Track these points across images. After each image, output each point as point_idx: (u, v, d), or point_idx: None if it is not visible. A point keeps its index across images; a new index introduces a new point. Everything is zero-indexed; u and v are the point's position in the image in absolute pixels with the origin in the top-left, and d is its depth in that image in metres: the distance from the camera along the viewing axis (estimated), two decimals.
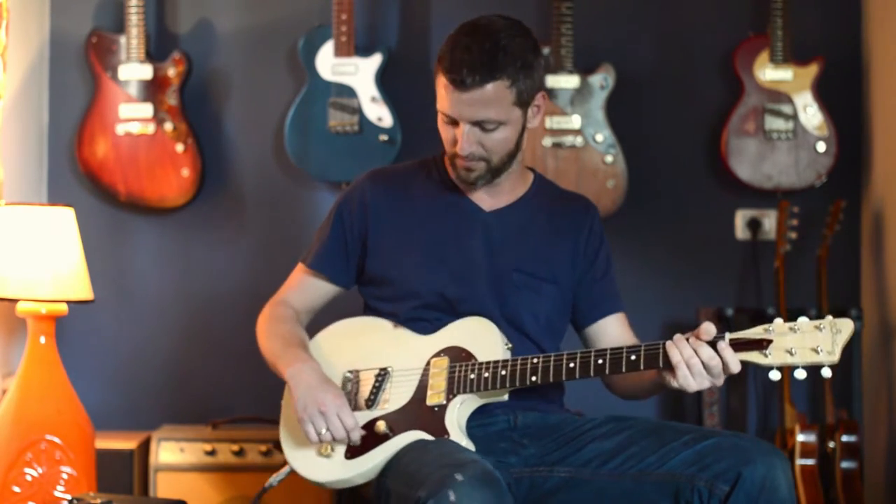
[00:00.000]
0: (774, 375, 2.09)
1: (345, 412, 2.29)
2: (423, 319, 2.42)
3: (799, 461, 3.52)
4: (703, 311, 3.76)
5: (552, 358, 2.25)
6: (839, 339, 2.05)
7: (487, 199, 2.46)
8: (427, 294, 2.41)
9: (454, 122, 2.32)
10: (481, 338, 2.34)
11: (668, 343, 2.13)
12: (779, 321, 2.10)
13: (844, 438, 3.55)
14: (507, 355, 2.30)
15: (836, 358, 2.05)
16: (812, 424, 3.57)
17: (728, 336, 2.11)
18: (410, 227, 2.46)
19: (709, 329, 2.11)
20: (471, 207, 2.46)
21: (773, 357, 2.08)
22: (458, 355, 2.34)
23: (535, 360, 2.25)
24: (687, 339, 2.12)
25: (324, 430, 2.29)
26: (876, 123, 3.78)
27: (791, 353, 2.07)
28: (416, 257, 2.43)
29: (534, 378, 2.25)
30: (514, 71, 2.27)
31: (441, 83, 2.31)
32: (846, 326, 2.06)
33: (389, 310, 2.46)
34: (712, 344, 2.11)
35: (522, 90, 2.30)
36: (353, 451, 2.31)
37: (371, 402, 2.37)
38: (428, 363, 2.35)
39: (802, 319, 2.09)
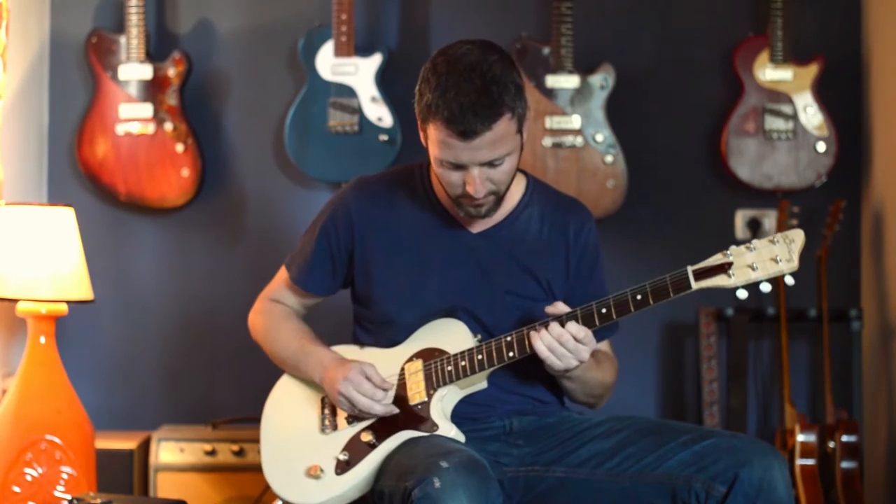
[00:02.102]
0: (742, 294, 2.20)
1: (362, 386, 2.30)
2: None
3: (799, 461, 3.52)
4: (704, 310, 3.76)
5: (525, 330, 2.26)
6: (794, 248, 2.14)
7: (476, 222, 2.40)
8: (410, 322, 2.40)
9: (459, 167, 2.25)
10: (449, 334, 2.36)
11: (532, 334, 2.23)
12: (734, 246, 2.18)
13: (844, 438, 3.55)
14: (477, 345, 2.32)
15: (795, 265, 2.14)
16: (812, 424, 3.57)
17: (690, 268, 2.19)
18: (395, 251, 2.42)
19: (558, 307, 2.26)
20: (458, 232, 2.41)
21: (736, 277, 2.16)
22: (430, 355, 2.35)
23: (508, 338, 2.27)
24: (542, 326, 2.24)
25: (355, 395, 2.30)
26: (876, 123, 3.78)
27: (753, 269, 2.15)
28: (399, 284, 2.40)
29: (511, 353, 2.27)
30: (511, 100, 2.21)
31: (441, 134, 2.21)
32: (798, 235, 2.15)
33: (373, 331, 2.46)
34: (562, 322, 2.22)
35: (521, 115, 2.25)
36: (342, 467, 2.32)
37: (352, 418, 2.37)
38: (402, 369, 2.37)
39: (755, 240, 2.18)
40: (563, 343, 2.21)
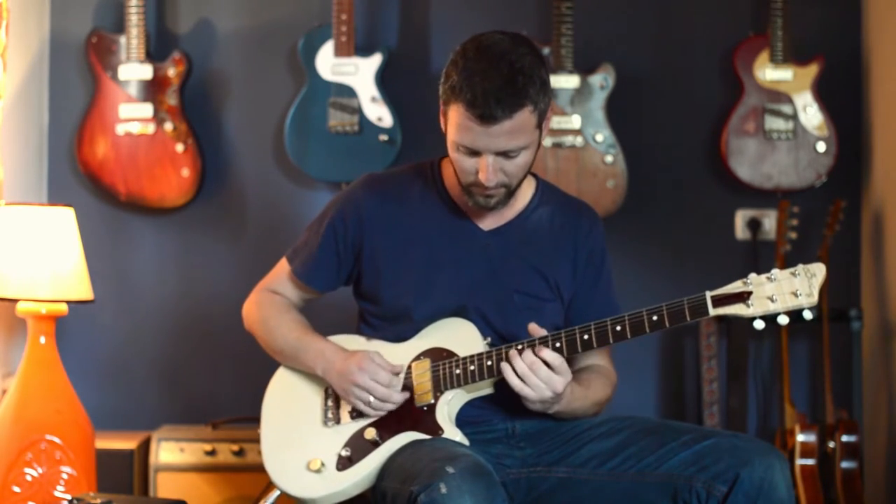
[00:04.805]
0: (759, 325, 2.18)
1: (379, 374, 2.30)
2: None
3: (799, 461, 3.53)
4: None
5: (536, 341, 2.25)
6: (815, 282, 2.12)
7: (487, 218, 2.41)
8: (419, 319, 2.39)
9: (474, 153, 2.25)
10: (459, 336, 2.35)
11: (503, 364, 2.23)
12: (754, 274, 2.16)
13: (844, 438, 3.55)
14: (487, 350, 2.31)
15: (815, 299, 2.12)
16: (812, 424, 3.57)
17: (708, 294, 2.16)
18: (405, 247, 2.41)
19: (534, 330, 2.25)
20: (470, 228, 2.41)
21: (755, 307, 2.14)
22: (438, 355, 2.34)
23: (519, 347, 2.26)
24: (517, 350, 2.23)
25: (372, 399, 2.30)
26: (876, 123, 3.78)
27: (772, 300, 2.13)
28: (410, 280, 2.39)
29: None
30: (535, 93, 2.21)
31: (460, 116, 2.21)
32: (819, 270, 2.12)
33: (379, 327, 2.45)
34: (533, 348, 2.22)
35: (542, 110, 2.25)
36: (343, 463, 2.31)
37: (355, 413, 2.37)
38: (409, 367, 2.36)
39: (776, 270, 2.15)
40: (535, 371, 2.21)
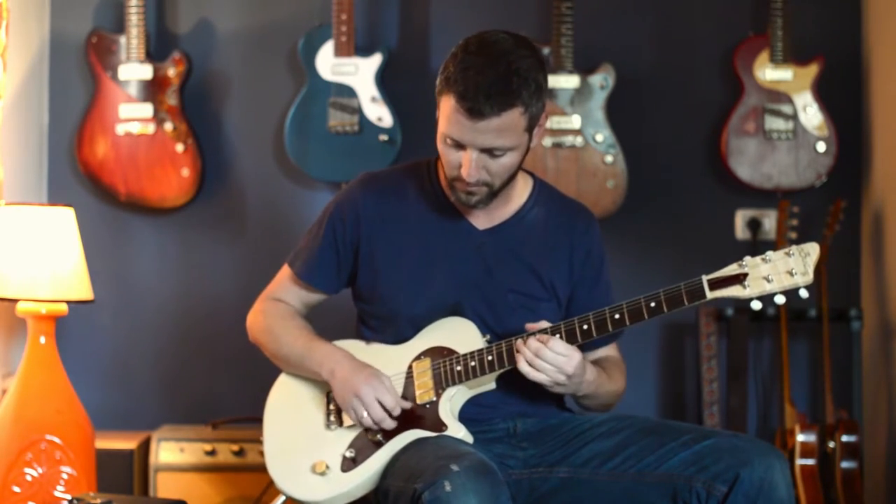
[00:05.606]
0: (756, 305, 2.20)
1: (384, 396, 2.30)
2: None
3: (799, 461, 3.53)
4: (704, 310, 3.76)
5: (536, 334, 2.25)
6: (809, 261, 2.14)
7: (482, 217, 2.41)
8: (415, 317, 2.39)
9: (460, 146, 2.25)
10: (458, 334, 2.35)
11: (517, 353, 2.26)
12: (749, 256, 2.19)
13: (844, 438, 3.55)
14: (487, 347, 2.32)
15: (810, 278, 2.14)
16: (812, 424, 3.57)
17: (704, 278, 2.18)
18: (401, 245, 2.41)
19: (538, 324, 2.27)
20: (465, 227, 2.41)
21: (751, 288, 2.17)
22: (439, 354, 2.35)
23: (518, 341, 2.26)
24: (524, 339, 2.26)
25: (364, 415, 2.30)
26: (876, 123, 3.78)
27: (768, 281, 2.15)
28: (405, 278, 2.40)
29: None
30: (528, 96, 2.21)
31: (450, 107, 2.22)
32: (813, 249, 2.15)
33: (377, 328, 2.45)
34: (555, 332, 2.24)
35: (534, 115, 2.25)
36: (348, 465, 2.31)
37: None
38: (409, 367, 2.36)
39: (770, 251, 2.18)
40: (541, 357, 2.22)
